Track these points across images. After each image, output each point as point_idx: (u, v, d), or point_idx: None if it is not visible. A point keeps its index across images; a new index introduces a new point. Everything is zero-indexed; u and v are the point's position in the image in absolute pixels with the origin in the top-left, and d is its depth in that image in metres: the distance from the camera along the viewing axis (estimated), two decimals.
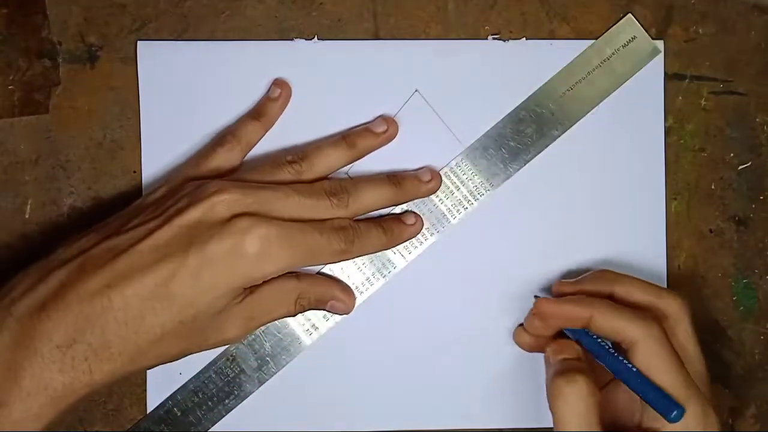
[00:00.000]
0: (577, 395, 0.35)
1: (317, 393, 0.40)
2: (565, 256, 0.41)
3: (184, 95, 0.40)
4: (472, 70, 0.41)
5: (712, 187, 0.42)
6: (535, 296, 0.40)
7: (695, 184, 0.42)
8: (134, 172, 0.40)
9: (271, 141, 0.40)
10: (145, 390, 0.40)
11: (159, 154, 0.40)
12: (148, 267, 0.33)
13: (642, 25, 0.41)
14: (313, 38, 0.40)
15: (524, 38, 0.41)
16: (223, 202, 0.34)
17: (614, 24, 0.41)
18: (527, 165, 0.41)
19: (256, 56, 0.40)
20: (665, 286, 0.41)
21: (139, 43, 0.40)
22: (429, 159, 0.41)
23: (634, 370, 0.35)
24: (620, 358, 0.35)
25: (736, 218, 0.42)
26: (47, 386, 0.32)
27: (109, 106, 0.40)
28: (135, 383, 0.40)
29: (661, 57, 0.41)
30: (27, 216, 0.40)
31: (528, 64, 0.41)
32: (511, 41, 0.41)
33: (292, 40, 0.40)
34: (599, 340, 0.36)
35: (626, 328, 0.35)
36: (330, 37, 0.41)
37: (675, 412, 0.34)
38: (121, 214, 0.37)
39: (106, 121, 0.40)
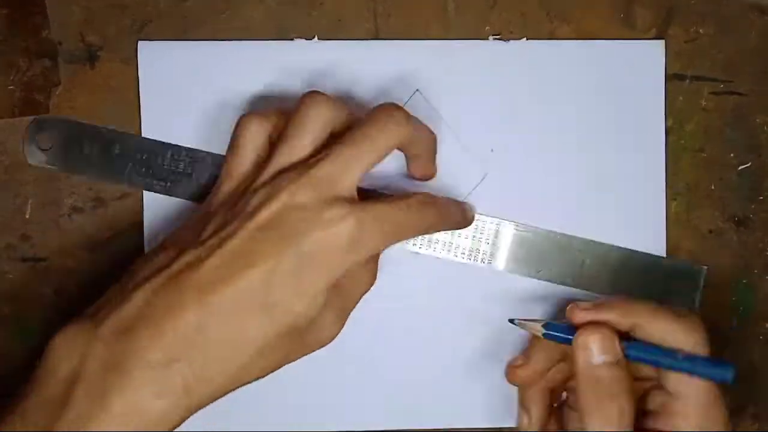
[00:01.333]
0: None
1: (313, 393, 0.41)
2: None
3: (184, 95, 0.40)
4: (473, 71, 0.41)
5: (712, 187, 0.42)
6: (510, 320, 0.38)
7: (695, 185, 0.42)
8: None
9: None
10: None
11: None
12: (239, 274, 0.31)
13: (641, 25, 0.41)
14: (314, 38, 0.40)
15: (525, 38, 0.41)
16: (303, 187, 0.32)
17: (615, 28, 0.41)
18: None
19: (256, 56, 0.40)
20: None
21: (139, 43, 0.40)
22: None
23: (677, 353, 0.33)
24: (659, 348, 0.33)
25: (736, 219, 0.42)
26: (141, 412, 0.29)
27: (109, 107, 0.40)
28: None
29: (662, 58, 0.41)
30: (27, 216, 0.40)
31: (529, 65, 0.41)
32: (512, 41, 0.41)
33: (292, 39, 0.40)
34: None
35: (673, 333, 0.33)
36: (330, 37, 0.41)
37: (729, 372, 0.32)
38: (189, 224, 0.35)
39: (106, 121, 0.40)
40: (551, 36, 0.41)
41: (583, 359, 0.33)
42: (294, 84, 0.40)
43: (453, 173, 0.41)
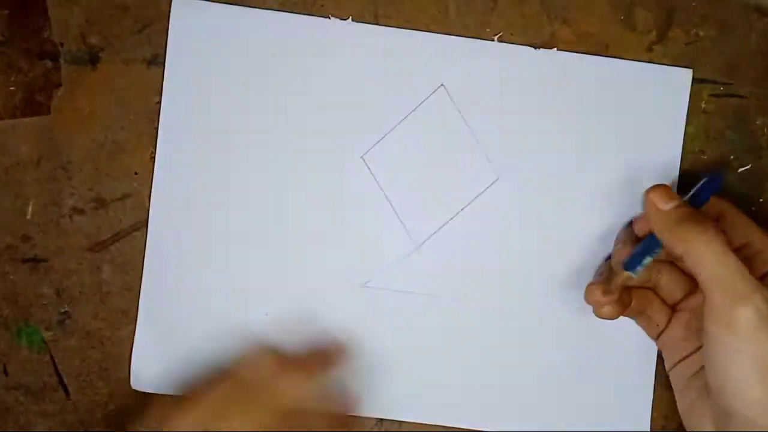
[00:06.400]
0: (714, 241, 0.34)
1: None
2: (565, 256, 0.41)
3: (213, 59, 0.40)
4: (498, 73, 0.41)
5: None
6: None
7: None
8: (136, 173, 0.40)
9: (287, 122, 0.40)
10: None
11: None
12: None
13: (642, 27, 0.41)
14: (348, 18, 0.40)
15: (555, 49, 0.41)
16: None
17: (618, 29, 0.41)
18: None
19: (288, 29, 0.40)
20: None
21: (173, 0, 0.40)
22: (444, 152, 0.41)
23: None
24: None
25: None
26: None
27: (110, 108, 0.40)
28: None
29: (688, 86, 0.41)
30: (28, 217, 0.40)
31: (557, 75, 0.41)
32: (541, 50, 0.41)
33: (328, 17, 0.40)
34: None
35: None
36: None
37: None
38: None
39: (108, 122, 0.40)
40: (552, 38, 0.41)
41: (657, 204, 0.37)
42: (322, 63, 0.40)
43: (465, 173, 0.41)
